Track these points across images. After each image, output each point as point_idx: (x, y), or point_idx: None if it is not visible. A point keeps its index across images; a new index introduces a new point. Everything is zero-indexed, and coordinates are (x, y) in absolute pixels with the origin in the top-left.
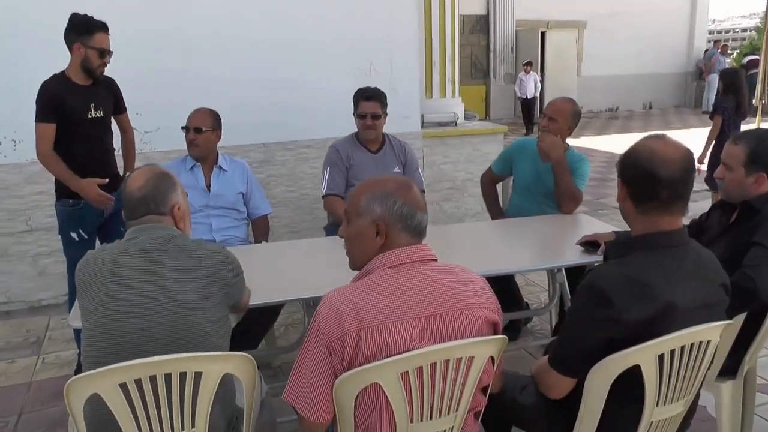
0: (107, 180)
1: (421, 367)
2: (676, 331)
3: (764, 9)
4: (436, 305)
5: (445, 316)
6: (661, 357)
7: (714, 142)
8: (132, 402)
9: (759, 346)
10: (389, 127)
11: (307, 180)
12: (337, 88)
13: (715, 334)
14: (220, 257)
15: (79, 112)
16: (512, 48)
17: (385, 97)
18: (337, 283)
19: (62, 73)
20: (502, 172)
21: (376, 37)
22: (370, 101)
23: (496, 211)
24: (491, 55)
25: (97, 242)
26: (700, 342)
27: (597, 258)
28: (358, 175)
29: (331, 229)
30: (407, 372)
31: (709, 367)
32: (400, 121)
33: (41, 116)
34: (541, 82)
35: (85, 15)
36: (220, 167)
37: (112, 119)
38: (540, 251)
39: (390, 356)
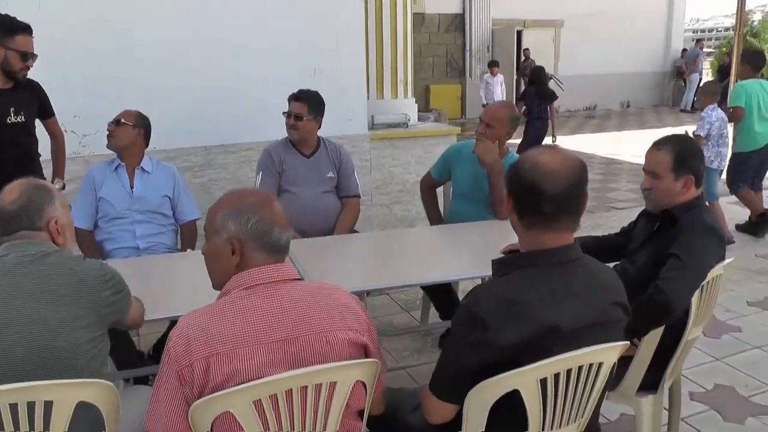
0: None
1: (276, 394)
2: (561, 354)
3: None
4: (291, 329)
5: (302, 339)
6: (543, 381)
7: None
8: None
9: (679, 361)
10: (336, 128)
11: (249, 183)
12: (281, 89)
13: (607, 355)
14: (97, 275)
15: None
16: (488, 47)
17: (318, 102)
18: None
19: None
20: (440, 176)
21: (322, 37)
22: (297, 101)
23: (435, 217)
24: (467, 54)
25: None
26: (590, 364)
27: None
28: (291, 179)
29: None
30: (260, 400)
31: (606, 389)
32: (346, 123)
33: None
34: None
35: (7, 15)
36: (142, 169)
37: (41, 124)
38: (472, 259)
39: (240, 384)
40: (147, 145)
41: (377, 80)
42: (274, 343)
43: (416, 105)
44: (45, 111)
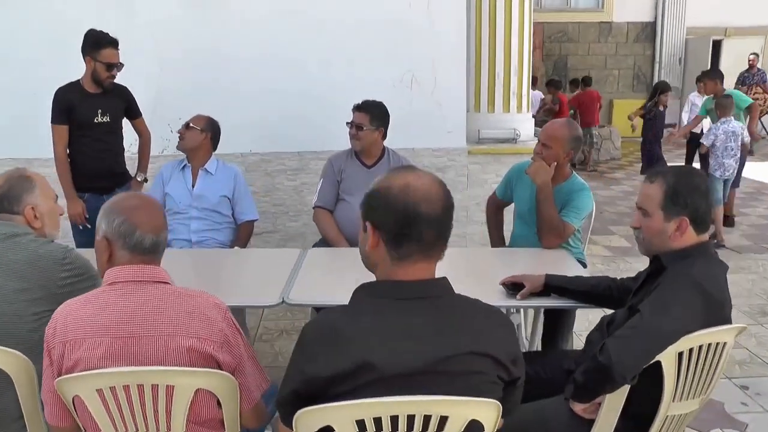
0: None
1: (114, 387)
2: (382, 397)
3: None
4: (136, 327)
5: (145, 339)
6: (362, 423)
7: None
8: None
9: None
10: (432, 140)
11: None
12: (375, 99)
13: (453, 410)
14: (55, 257)
15: (86, 116)
16: (680, 59)
17: (381, 112)
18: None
19: (77, 81)
20: (503, 196)
21: (419, 47)
22: (358, 111)
23: (496, 239)
24: (656, 66)
25: None
26: (426, 416)
27: (513, 302)
28: (349, 188)
29: (320, 244)
30: (102, 391)
31: None
32: (443, 135)
33: (54, 118)
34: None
35: (100, 32)
36: (206, 170)
37: (130, 124)
38: (485, 288)
39: (83, 371)
40: (215, 148)
41: (488, 93)
42: (118, 339)
43: (532, 119)
44: (132, 112)
